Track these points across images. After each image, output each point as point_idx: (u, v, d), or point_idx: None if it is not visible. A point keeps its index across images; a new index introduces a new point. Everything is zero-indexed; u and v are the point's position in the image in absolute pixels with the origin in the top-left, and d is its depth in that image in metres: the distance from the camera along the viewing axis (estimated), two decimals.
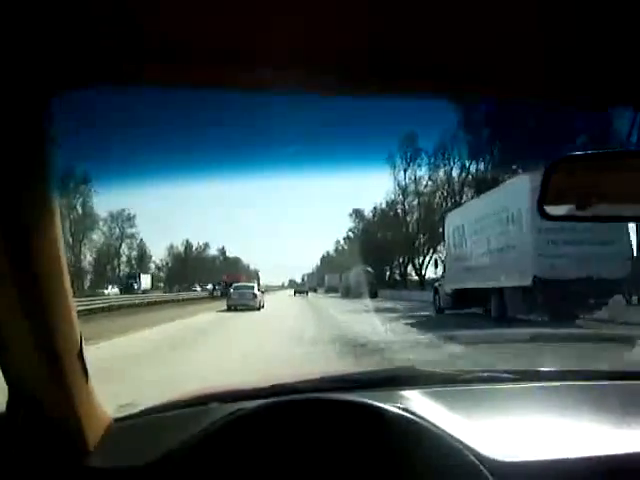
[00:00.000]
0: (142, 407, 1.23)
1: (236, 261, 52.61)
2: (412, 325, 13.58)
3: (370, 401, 0.95)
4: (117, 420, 1.14)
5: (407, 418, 0.93)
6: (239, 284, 25.01)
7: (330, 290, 43.45)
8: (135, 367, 7.10)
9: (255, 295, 22.41)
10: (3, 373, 0.93)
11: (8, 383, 0.94)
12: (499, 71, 0.81)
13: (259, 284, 30.23)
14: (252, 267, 53.71)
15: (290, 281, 58.79)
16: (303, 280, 53.99)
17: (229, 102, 0.98)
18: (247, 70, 0.78)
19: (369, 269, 34.18)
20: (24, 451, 0.94)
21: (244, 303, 21.41)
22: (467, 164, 29.75)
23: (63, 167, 0.85)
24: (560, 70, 0.79)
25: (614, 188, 0.98)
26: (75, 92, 0.81)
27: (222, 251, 51.58)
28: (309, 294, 42.64)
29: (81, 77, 0.78)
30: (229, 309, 21.50)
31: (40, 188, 0.82)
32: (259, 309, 21.64)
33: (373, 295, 28.04)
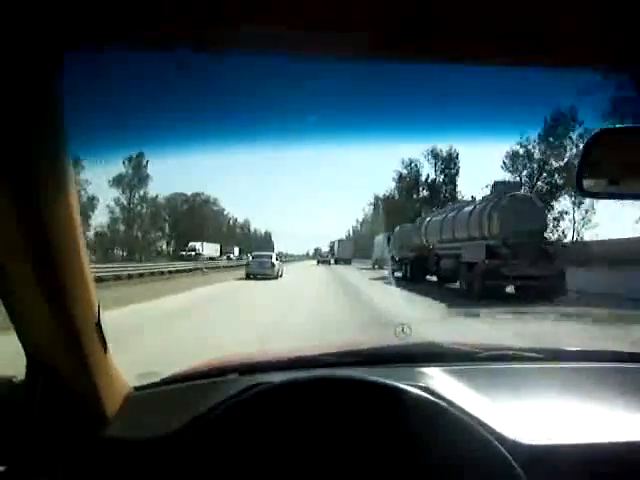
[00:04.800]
0: (162, 376, 1.24)
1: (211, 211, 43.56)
2: None
3: (391, 382, 0.93)
4: (137, 389, 1.15)
5: (428, 400, 0.92)
6: (258, 253, 24.73)
7: (383, 263, 24.92)
8: None
9: (273, 264, 22.40)
10: (21, 342, 0.93)
11: (26, 352, 0.95)
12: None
13: (272, 249, 29.43)
14: (257, 228, 50.16)
15: (316, 250, 55.96)
16: (332, 249, 46.20)
17: (252, 66, 0.94)
18: (271, 31, 0.73)
19: (531, 195, 15.53)
20: (43, 420, 0.95)
21: (262, 272, 21.48)
22: None
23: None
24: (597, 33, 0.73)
25: None
26: (87, 52, 0.77)
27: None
28: (337, 268, 30.66)
29: (93, 36, 0.74)
30: (248, 277, 21.60)
31: (54, 155, 0.80)
32: (277, 278, 21.60)
33: (558, 289, 11.36)
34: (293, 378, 0.97)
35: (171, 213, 43.77)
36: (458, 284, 14.86)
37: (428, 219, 19.81)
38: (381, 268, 25.12)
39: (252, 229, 55.02)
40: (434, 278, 18.00)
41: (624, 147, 0.95)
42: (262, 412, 0.91)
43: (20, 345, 0.93)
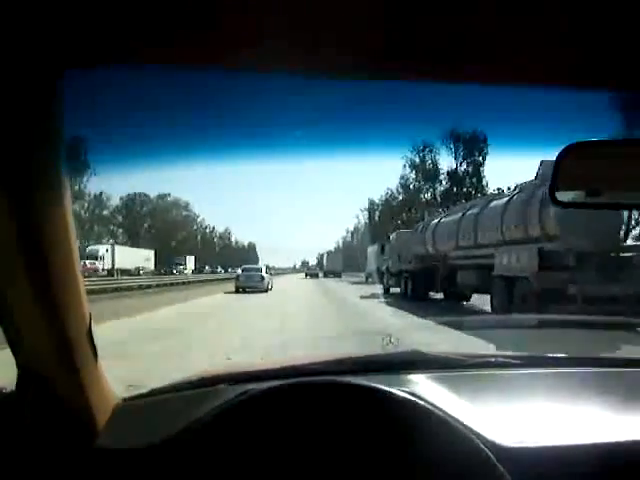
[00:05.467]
0: (151, 387, 1.25)
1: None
2: None
3: (378, 385, 0.95)
4: (126, 400, 1.16)
5: (414, 403, 0.93)
6: (247, 266, 24.59)
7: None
8: None
9: (263, 277, 22.32)
10: (13, 353, 0.94)
11: (17, 363, 0.95)
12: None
13: (257, 261, 28.99)
14: (239, 239, 46.55)
15: (303, 263, 55.10)
16: (320, 261, 45.88)
17: (244, 84, 0.98)
18: (259, 51, 0.76)
19: None
20: (33, 430, 0.95)
21: (252, 285, 21.24)
22: None
23: (72, 146, 0.93)
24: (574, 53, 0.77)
25: (625, 175, 0.99)
26: (86, 71, 0.79)
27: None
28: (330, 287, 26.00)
29: (92, 55, 0.76)
30: (237, 291, 21.27)
31: (49, 167, 0.81)
32: (266, 291, 21.29)
33: None
34: (280, 384, 0.98)
35: (127, 216, 38.66)
36: (489, 305, 10.96)
37: (435, 221, 15.87)
38: (375, 282, 20.91)
39: (233, 240, 50.57)
40: (439, 295, 14.86)
41: (595, 160, 0.99)
42: (251, 418, 0.92)
43: (11, 355, 0.94)
